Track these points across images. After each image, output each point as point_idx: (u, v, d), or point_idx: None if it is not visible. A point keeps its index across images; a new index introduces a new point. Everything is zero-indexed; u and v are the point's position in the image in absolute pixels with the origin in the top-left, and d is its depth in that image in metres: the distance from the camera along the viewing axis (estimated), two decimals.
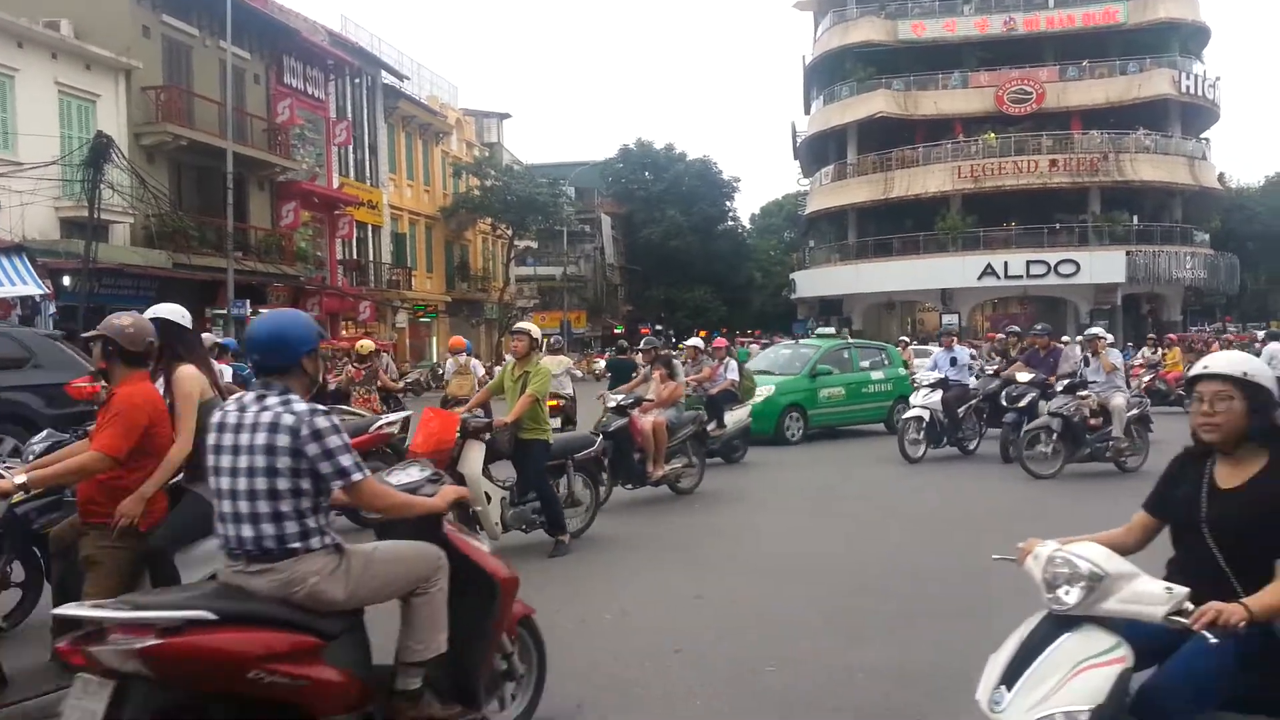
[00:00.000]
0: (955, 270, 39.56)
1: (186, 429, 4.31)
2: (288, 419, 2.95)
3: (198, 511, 4.22)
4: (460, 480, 7.14)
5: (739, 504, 9.63)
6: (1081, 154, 40.10)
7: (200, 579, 3.94)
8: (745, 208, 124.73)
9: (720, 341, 16.48)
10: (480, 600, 3.45)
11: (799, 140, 51.32)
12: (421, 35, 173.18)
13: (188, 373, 4.40)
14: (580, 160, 60.07)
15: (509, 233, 44.04)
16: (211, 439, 3.09)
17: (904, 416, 12.85)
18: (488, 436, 7.34)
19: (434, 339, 38.81)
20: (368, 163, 34.51)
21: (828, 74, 45.74)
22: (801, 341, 18.91)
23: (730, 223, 69.12)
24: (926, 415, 12.39)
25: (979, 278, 39.31)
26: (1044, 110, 41.13)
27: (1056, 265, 38.63)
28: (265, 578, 2.94)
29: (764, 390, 13.84)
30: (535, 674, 3.84)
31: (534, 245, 49.41)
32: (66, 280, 18.72)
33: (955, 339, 14.38)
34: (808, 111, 50.87)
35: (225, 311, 22.02)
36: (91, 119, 21.48)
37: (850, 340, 19.01)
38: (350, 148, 32.89)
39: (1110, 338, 12.26)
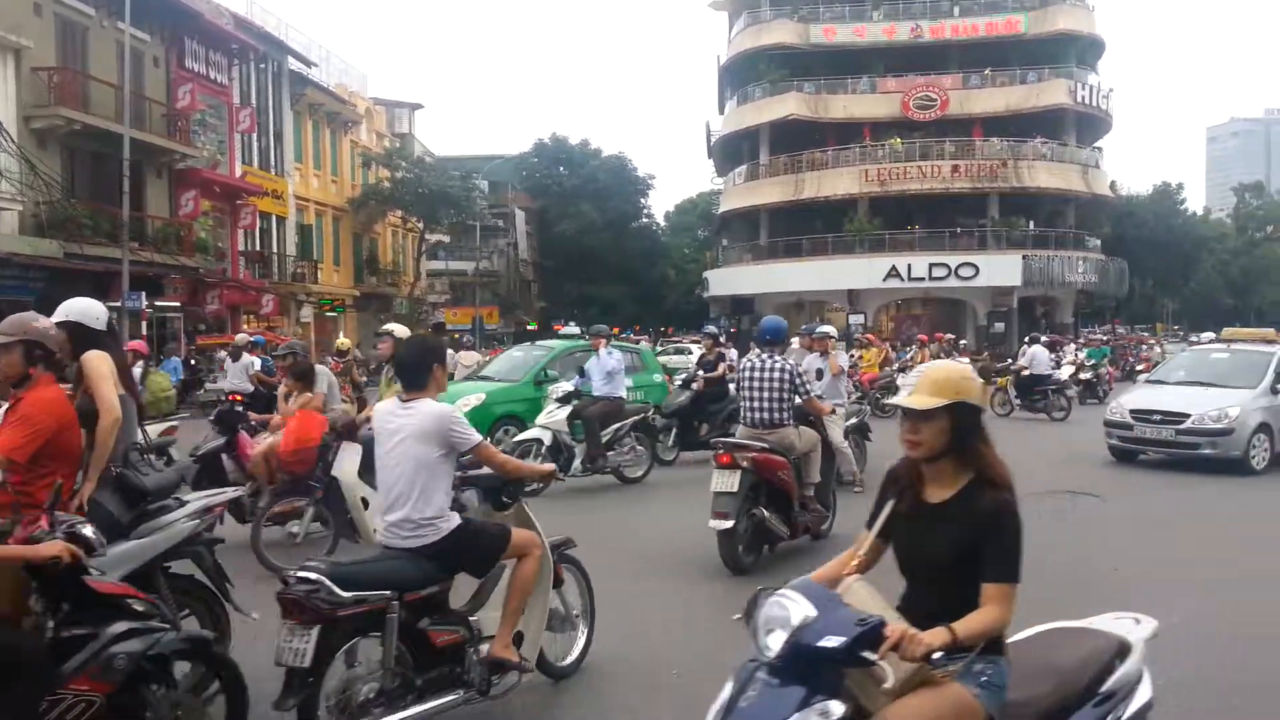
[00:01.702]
0: (862, 271, 40.52)
1: (107, 398, 4.23)
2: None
3: (96, 522, 4.12)
4: (335, 486, 7.09)
5: None
6: (982, 160, 41.49)
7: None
8: (660, 205, 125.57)
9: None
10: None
11: (713, 140, 51.79)
12: (332, 21, 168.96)
13: (92, 355, 4.34)
14: (494, 154, 59.43)
15: (420, 226, 43.47)
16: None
17: (515, 439, 10.87)
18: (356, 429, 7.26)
19: (340, 334, 37.98)
20: (272, 151, 33.59)
21: (741, 75, 46.28)
22: (538, 343, 17.02)
23: (645, 220, 69.44)
24: (548, 438, 10.44)
25: (884, 279, 40.34)
26: (948, 117, 42.40)
27: (957, 268, 39.90)
28: None
29: (471, 399, 11.93)
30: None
31: (446, 239, 48.89)
32: None
33: (605, 340, 11.66)
34: (722, 111, 51.40)
35: (120, 304, 21.17)
36: None
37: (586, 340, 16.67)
38: (254, 135, 31.95)
39: (833, 333, 11.77)
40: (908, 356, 22.23)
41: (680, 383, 14.07)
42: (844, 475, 9.32)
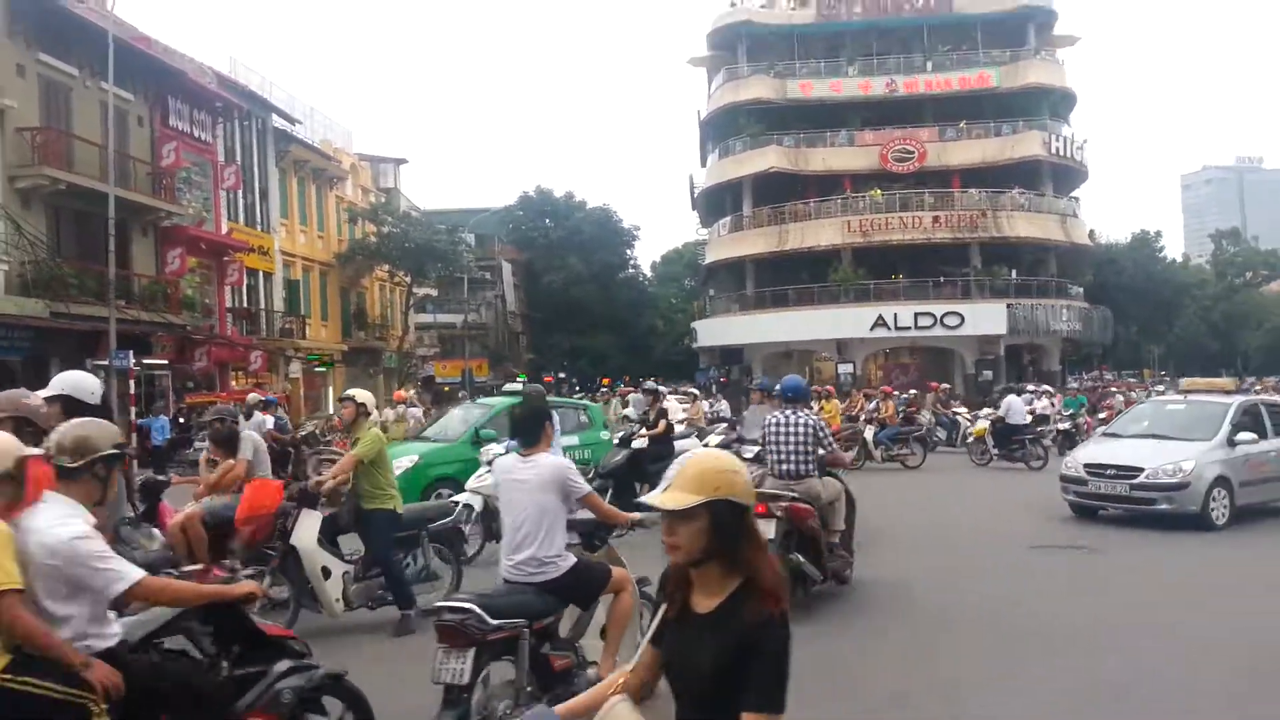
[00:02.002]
0: (849, 321, 40.77)
1: None
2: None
3: None
4: (294, 554, 6.88)
5: None
6: (962, 211, 42.06)
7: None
8: (646, 256, 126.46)
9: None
10: None
11: (696, 192, 52.41)
12: (315, 78, 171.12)
13: None
14: (480, 207, 59.94)
15: (407, 280, 43.56)
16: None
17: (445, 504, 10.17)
18: (323, 505, 7.09)
19: (329, 389, 37.88)
20: (258, 207, 33.76)
21: (722, 129, 46.95)
22: (480, 400, 16.72)
23: (631, 270, 69.90)
24: (478, 503, 9.80)
25: (871, 329, 40.59)
26: (926, 169, 43.06)
27: (942, 317, 40.21)
28: None
29: (404, 461, 11.46)
30: None
31: (434, 293, 48.99)
32: None
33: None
34: (704, 164, 52.06)
35: (107, 363, 21.08)
36: None
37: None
38: (240, 192, 32.13)
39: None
40: (872, 407, 22.11)
41: (618, 440, 13.12)
42: None
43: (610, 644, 4.91)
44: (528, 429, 4.98)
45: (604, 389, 52.90)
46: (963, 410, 24.47)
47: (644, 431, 12.71)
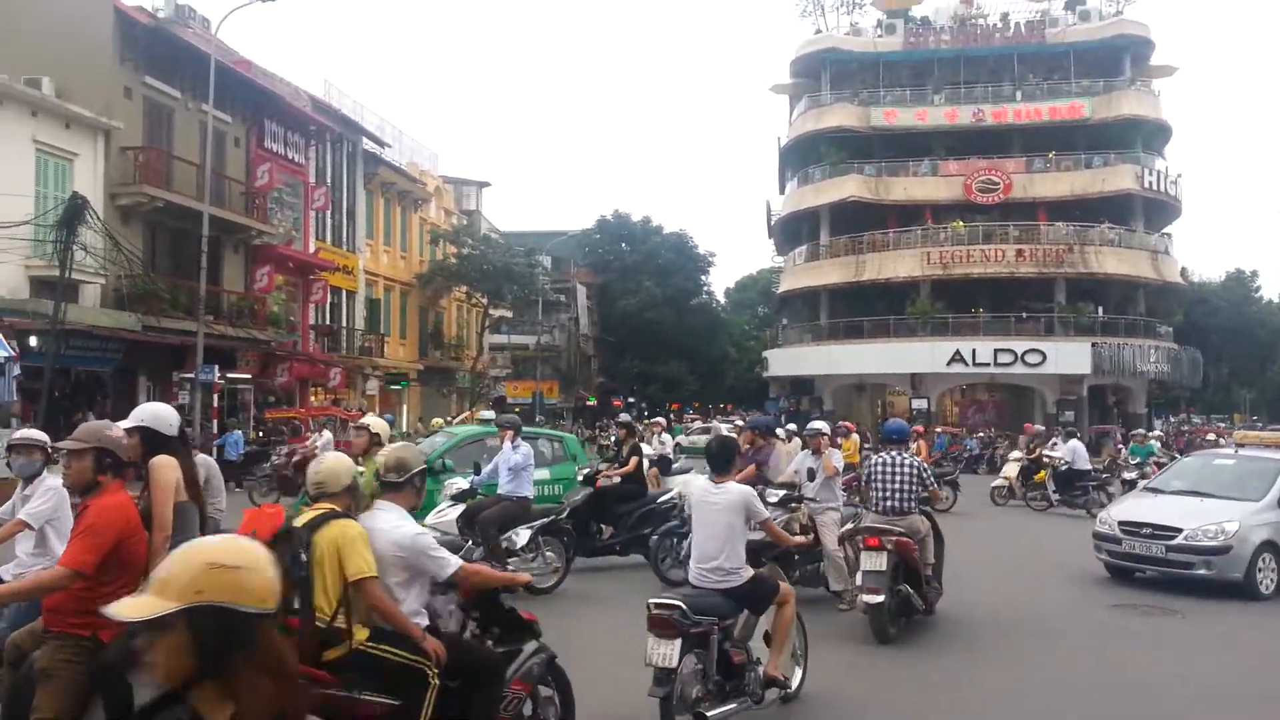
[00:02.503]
0: (924, 355, 39.96)
1: (161, 514, 4.27)
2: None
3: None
4: None
5: None
6: (1047, 245, 40.96)
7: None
8: (720, 282, 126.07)
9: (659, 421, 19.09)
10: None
11: (773, 219, 52.15)
12: (405, 101, 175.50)
13: (163, 461, 4.39)
14: (558, 230, 60.67)
15: (484, 301, 44.13)
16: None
17: None
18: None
19: (404, 407, 38.48)
20: (345, 227, 34.59)
21: (802, 156, 46.69)
22: (445, 429, 16.08)
23: (705, 296, 69.81)
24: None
25: (948, 364, 39.68)
26: (1011, 200, 42.11)
27: (1023, 354, 39.12)
28: None
29: None
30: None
31: (509, 314, 49.55)
32: (33, 341, 18.45)
33: (513, 432, 10.07)
34: (782, 191, 51.80)
35: (194, 376, 21.72)
36: (68, 178, 21.39)
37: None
38: (328, 212, 32.98)
39: (826, 430, 9.95)
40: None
41: (582, 477, 11.90)
42: (831, 587, 9.06)
43: (776, 647, 5.78)
44: (720, 461, 5.95)
45: (672, 414, 52.93)
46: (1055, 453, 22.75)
47: (604, 469, 11.57)
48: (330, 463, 4.33)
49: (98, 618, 3.87)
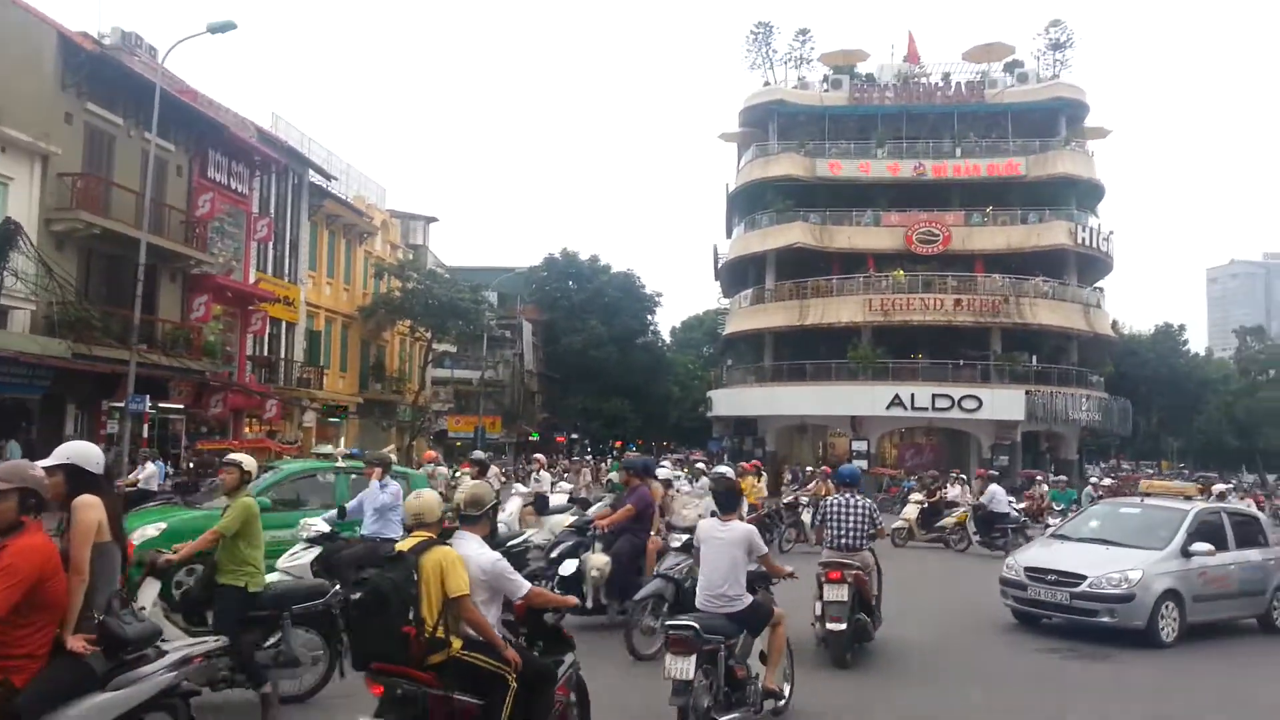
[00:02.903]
0: (865, 398, 40.62)
1: (78, 558, 4.24)
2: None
3: (70, 671, 4.09)
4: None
5: None
6: (984, 295, 42.07)
7: None
8: (666, 321, 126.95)
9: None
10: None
11: (720, 262, 52.80)
12: (355, 135, 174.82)
13: (83, 502, 4.36)
14: (505, 266, 60.69)
15: (428, 335, 43.88)
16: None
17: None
18: (162, 567, 6.70)
19: (341, 440, 37.92)
20: (287, 259, 34.23)
21: (749, 202, 47.48)
22: (272, 463, 15.11)
23: (651, 336, 70.20)
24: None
25: (888, 407, 40.38)
26: (950, 251, 43.21)
27: (960, 400, 39.97)
28: None
29: (150, 530, 9.91)
30: None
31: (453, 349, 49.28)
32: None
33: (383, 469, 9.75)
34: (729, 235, 52.53)
35: (124, 405, 21.26)
36: (2, 202, 20.94)
37: (340, 463, 12.43)
38: (270, 243, 32.61)
39: (732, 475, 10.44)
40: (793, 483, 21.66)
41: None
42: None
43: (771, 663, 6.74)
44: (727, 501, 7.11)
45: (615, 451, 52.91)
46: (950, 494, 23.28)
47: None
48: (427, 497, 5.20)
49: (11, 660, 3.84)
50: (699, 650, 5.97)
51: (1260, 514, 13.57)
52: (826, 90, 47.61)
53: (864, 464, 34.23)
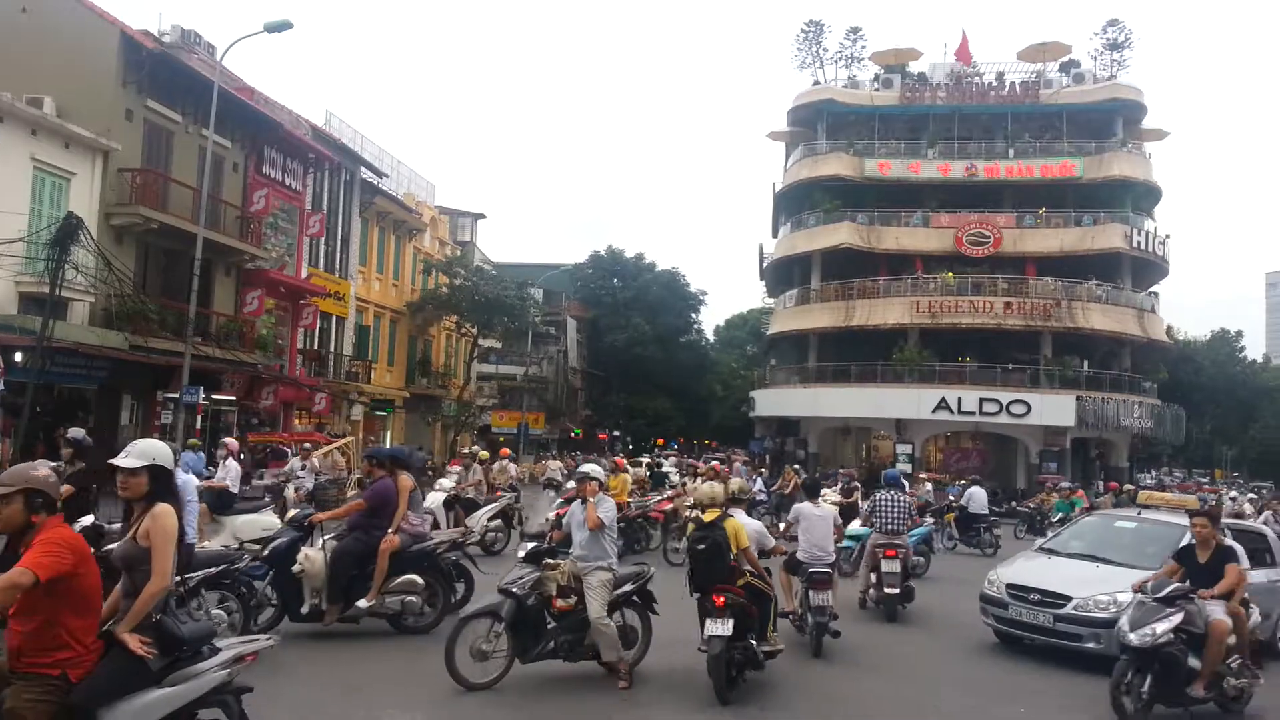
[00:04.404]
0: (910, 401, 40.13)
1: (162, 565, 4.32)
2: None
3: (127, 667, 4.18)
4: None
5: None
6: (1035, 299, 41.31)
7: None
8: (710, 319, 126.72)
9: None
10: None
11: (766, 262, 52.48)
12: (406, 132, 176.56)
13: (166, 509, 4.46)
14: (551, 263, 60.97)
15: (474, 331, 44.26)
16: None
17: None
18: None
19: (388, 433, 38.43)
20: (338, 254, 34.73)
21: (796, 202, 47.11)
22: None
23: (694, 334, 70.07)
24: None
25: (933, 410, 39.83)
26: (1001, 254, 42.50)
27: (1008, 404, 39.32)
28: None
29: None
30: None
31: (498, 345, 49.62)
32: (19, 356, 18.49)
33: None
34: (775, 235, 52.17)
35: (178, 397, 21.73)
36: (64, 197, 21.53)
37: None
38: (323, 239, 33.12)
39: (597, 475, 8.52)
40: (756, 485, 22.37)
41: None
42: (603, 658, 7.74)
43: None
44: (812, 490, 11.21)
45: (658, 449, 52.88)
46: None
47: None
48: (712, 488, 8.28)
49: (69, 652, 3.94)
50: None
51: (1268, 530, 12.04)
52: (877, 89, 47.05)
53: (908, 467, 33.70)
